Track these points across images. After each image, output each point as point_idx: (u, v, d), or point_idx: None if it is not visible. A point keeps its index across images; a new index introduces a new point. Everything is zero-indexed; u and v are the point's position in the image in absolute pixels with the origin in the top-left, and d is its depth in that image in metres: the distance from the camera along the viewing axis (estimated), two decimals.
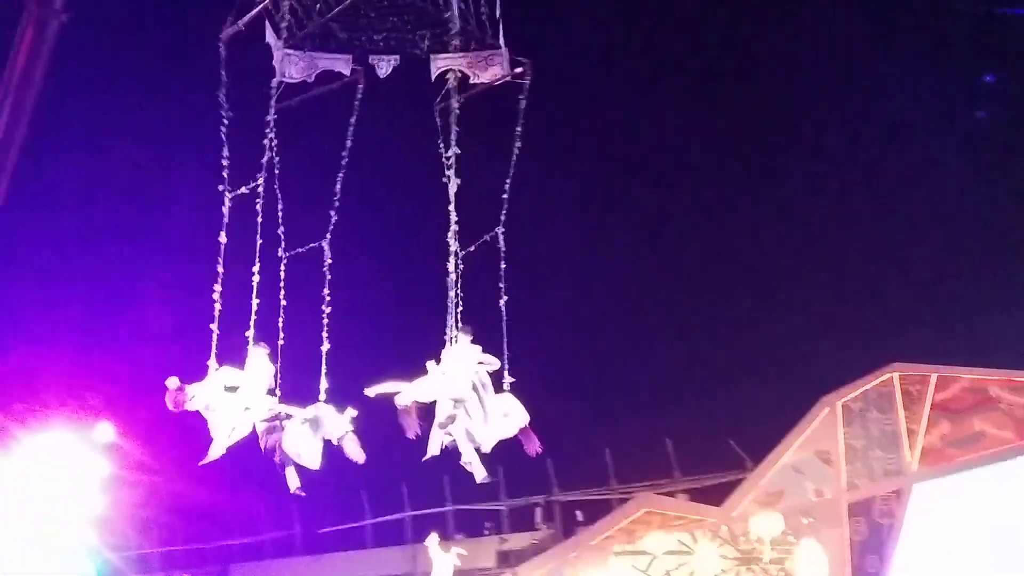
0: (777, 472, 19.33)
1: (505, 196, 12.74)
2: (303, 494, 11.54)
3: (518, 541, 24.35)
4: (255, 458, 11.36)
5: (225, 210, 12.00)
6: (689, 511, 19.95)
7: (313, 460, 11.31)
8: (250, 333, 11.49)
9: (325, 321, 12.24)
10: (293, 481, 11.44)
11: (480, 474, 11.31)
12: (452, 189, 12.26)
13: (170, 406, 10.92)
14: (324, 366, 11.77)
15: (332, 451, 11.43)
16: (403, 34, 13.44)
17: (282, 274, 12.50)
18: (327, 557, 27.89)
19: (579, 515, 23.69)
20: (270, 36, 13.33)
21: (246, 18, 12.53)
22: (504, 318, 12.22)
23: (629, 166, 27.21)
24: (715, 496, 20.65)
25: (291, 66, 13.49)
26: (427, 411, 10.99)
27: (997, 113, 21.51)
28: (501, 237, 12.63)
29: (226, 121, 12.18)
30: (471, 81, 13.30)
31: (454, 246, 12.14)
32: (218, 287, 11.56)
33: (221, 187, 12.08)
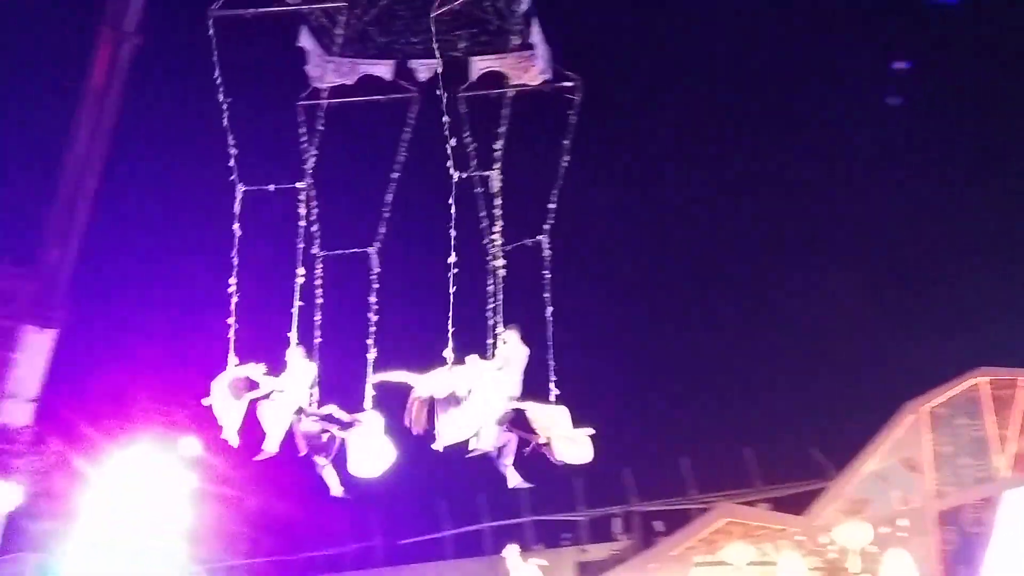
0: (862, 480, 18.94)
1: (552, 206, 12.46)
2: (348, 497, 11.60)
3: (597, 552, 24.18)
4: (337, 471, 11.44)
5: (237, 204, 11.80)
6: (771, 521, 19.64)
7: (379, 467, 11.36)
8: (292, 334, 11.55)
9: (372, 329, 12.12)
10: (335, 486, 11.51)
11: (514, 479, 11.27)
12: (495, 186, 12.07)
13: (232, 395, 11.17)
14: (370, 371, 11.65)
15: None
16: (440, 36, 12.81)
17: (319, 273, 12.44)
18: (407, 568, 28.03)
19: (658, 525, 23.46)
20: (306, 40, 13.03)
21: (253, 11, 12.14)
22: (550, 326, 12.02)
23: (691, 164, 27.07)
24: (797, 506, 20.30)
25: (330, 72, 13.22)
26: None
27: None
28: (546, 243, 12.41)
29: (226, 108, 11.76)
30: (512, 83, 12.95)
31: (496, 240, 11.97)
32: (233, 280, 11.58)
33: (232, 177, 11.88)
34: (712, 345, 27.12)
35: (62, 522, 18.85)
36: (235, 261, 11.57)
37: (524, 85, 12.95)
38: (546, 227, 12.39)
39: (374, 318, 12.26)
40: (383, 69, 13.26)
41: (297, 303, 11.70)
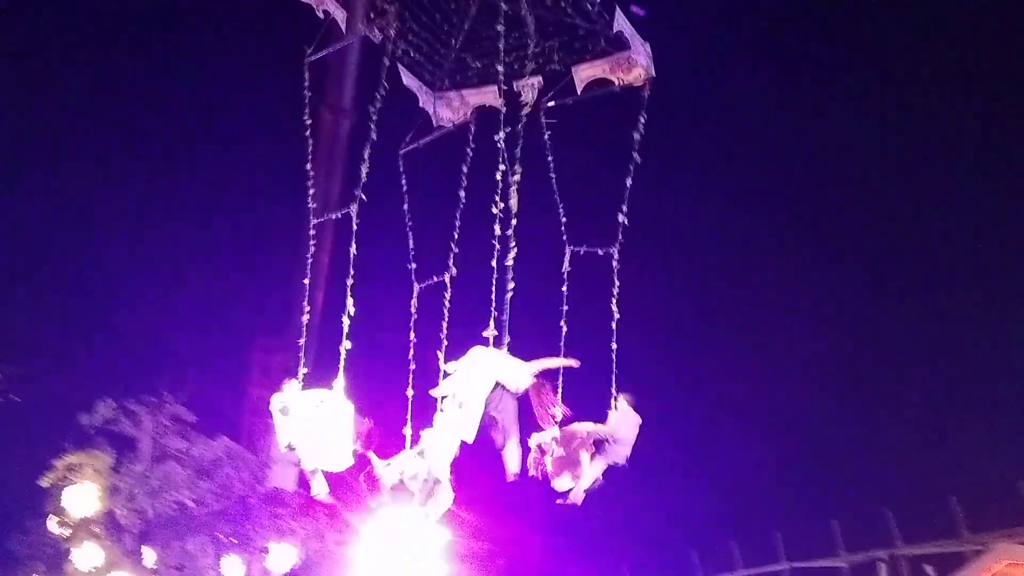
0: None
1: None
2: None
3: None
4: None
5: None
6: None
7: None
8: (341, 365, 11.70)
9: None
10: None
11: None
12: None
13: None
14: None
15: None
16: (531, 50, 12.64)
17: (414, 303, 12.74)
18: None
19: (929, 570, 21.92)
20: (408, 79, 13.04)
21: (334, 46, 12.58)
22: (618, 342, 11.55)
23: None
24: None
25: (444, 108, 13.23)
26: None
27: None
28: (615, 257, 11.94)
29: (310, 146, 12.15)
30: (617, 85, 12.40)
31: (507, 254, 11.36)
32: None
33: (314, 215, 12.29)
34: (978, 368, 25.47)
35: None
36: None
37: (630, 86, 12.40)
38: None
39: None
40: (490, 96, 13.04)
41: (345, 343, 11.70)
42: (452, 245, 12.34)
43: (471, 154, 12.62)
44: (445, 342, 11.97)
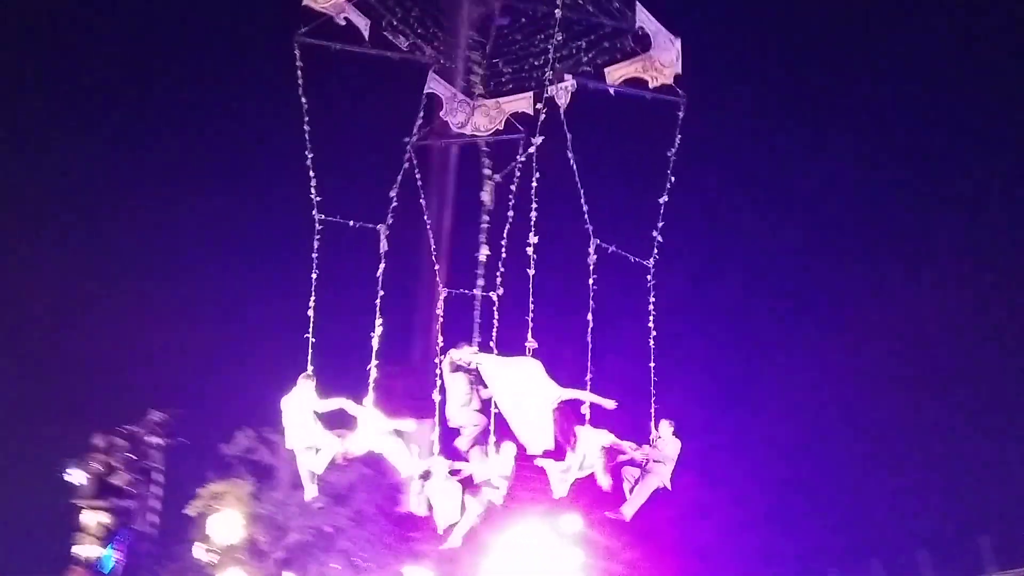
0: None
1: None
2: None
3: None
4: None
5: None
6: None
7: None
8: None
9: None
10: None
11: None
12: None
13: None
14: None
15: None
16: (561, 52, 12.51)
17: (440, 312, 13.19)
18: None
19: None
20: (436, 86, 12.88)
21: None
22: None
23: None
24: None
25: (481, 117, 13.05)
26: None
27: None
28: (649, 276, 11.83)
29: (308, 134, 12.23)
30: (650, 86, 12.30)
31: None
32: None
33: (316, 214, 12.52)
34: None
35: None
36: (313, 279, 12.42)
37: (664, 85, 12.35)
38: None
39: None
40: (524, 104, 12.97)
41: (375, 362, 12.27)
42: (499, 264, 12.59)
43: (517, 165, 12.80)
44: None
